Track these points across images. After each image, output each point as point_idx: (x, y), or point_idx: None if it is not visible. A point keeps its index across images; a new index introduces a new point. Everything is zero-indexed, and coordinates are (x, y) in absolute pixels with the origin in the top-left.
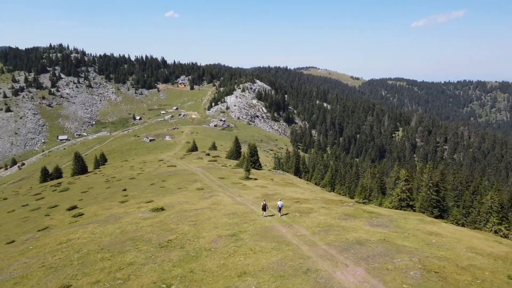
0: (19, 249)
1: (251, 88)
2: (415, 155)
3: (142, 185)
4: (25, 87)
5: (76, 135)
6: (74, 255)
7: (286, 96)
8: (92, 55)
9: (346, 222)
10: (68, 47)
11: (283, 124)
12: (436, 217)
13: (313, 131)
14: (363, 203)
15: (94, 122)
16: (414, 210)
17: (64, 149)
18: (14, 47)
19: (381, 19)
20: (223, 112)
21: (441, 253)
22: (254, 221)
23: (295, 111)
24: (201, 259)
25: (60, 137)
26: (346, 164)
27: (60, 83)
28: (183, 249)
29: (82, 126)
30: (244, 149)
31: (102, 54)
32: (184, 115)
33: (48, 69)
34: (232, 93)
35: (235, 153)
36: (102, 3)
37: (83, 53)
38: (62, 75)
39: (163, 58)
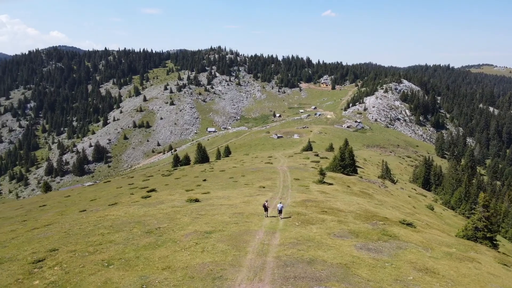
0: (78, 217)
1: (395, 89)
2: None
3: (223, 178)
4: (186, 84)
5: (222, 128)
6: (89, 228)
7: (438, 98)
8: (244, 55)
9: (332, 240)
10: (225, 48)
11: (429, 129)
12: None
13: (469, 139)
14: (409, 224)
15: (239, 117)
16: (494, 245)
17: (208, 140)
18: (183, 49)
19: None
20: (360, 113)
21: None
22: (246, 223)
23: (447, 115)
24: (159, 249)
25: (209, 129)
26: (503, 181)
27: (214, 81)
28: (158, 237)
29: (228, 120)
30: (362, 152)
31: (253, 54)
32: (320, 114)
33: (207, 68)
34: (373, 94)
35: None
36: (264, 6)
37: (237, 54)
38: (217, 74)
39: (308, 58)
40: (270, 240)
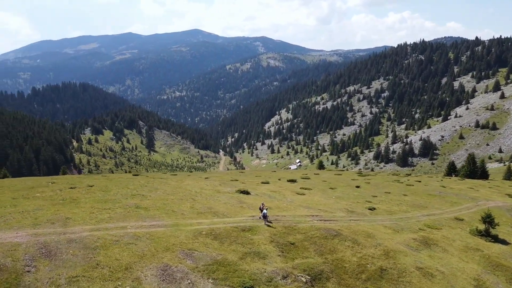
0: (164, 181)
1: None
2: None
3: (382, 189)
4: None
5: None
6: (140, 184)
7: None
8: None
9: (179, 259)
10: None
11: None
12: None
13: None
14: None
15: None
16: None
17: None
18: None
19: None
20: None
21: None
22: (180, 215)
23: None
24: (100, 204)
25: None
26: None
27: None
28: (123, 199)
29: None
30: None
31: None
32: None
33: None
34: None
35: None
36: None
37: None
38: None
39: None
40: (137, 228)
